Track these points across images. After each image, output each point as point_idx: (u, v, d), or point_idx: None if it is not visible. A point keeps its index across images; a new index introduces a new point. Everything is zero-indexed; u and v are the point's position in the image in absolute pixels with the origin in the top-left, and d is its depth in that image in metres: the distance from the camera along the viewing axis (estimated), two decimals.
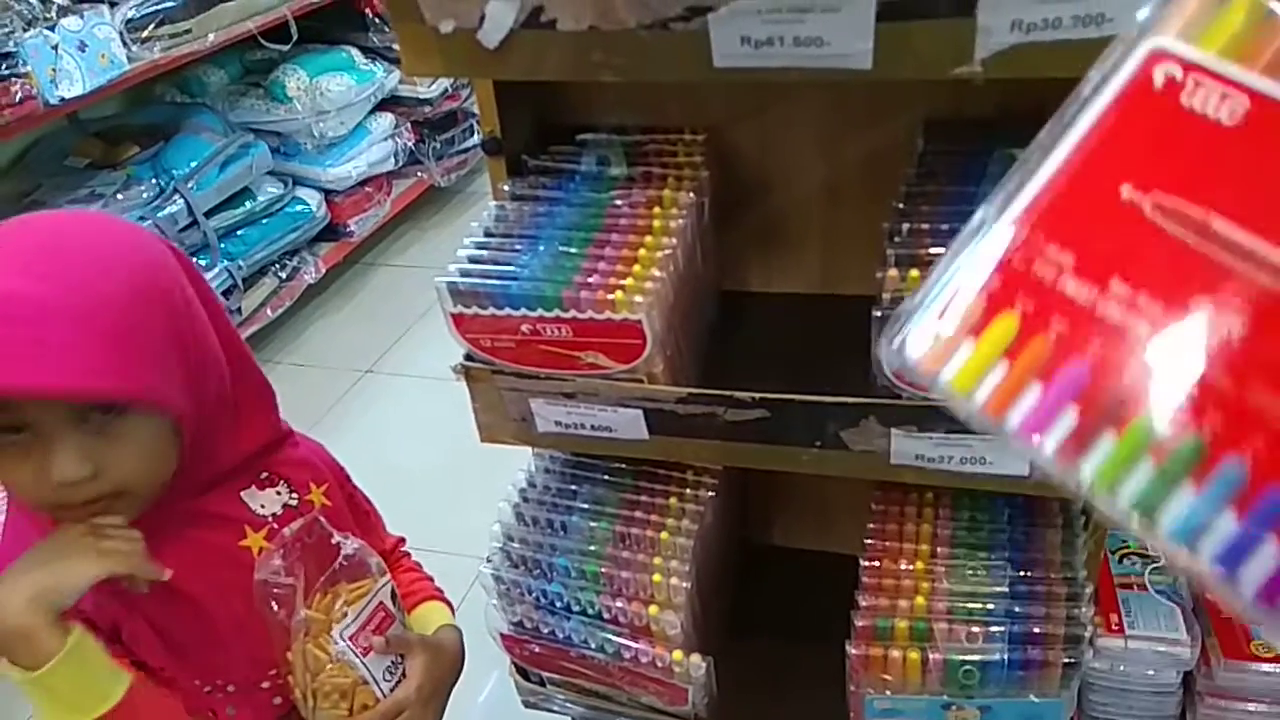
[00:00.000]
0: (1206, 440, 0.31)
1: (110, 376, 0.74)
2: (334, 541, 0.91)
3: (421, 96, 3.40)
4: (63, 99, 2.26)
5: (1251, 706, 1.34)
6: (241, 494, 0.92)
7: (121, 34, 2.40)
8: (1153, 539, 0.32)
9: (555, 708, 1.23)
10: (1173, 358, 0.33)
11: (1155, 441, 0.32)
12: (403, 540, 1.13)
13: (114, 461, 0.78)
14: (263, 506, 0.92)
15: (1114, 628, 1.35)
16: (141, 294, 0.77)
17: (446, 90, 3.47)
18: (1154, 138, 0.36)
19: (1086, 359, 0.34)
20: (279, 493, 0.94)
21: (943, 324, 0.37)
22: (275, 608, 0.87)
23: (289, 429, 0.99)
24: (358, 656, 0.89)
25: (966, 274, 0.38)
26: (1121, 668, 1.35)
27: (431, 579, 1.12)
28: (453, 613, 1.09)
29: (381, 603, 0.92)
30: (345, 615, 0.89)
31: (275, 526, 0.91)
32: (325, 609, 0.89)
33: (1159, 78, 0.36)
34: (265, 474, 0.94)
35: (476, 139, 3.64)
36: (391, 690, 0.92)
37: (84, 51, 2.30)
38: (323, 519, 0.91)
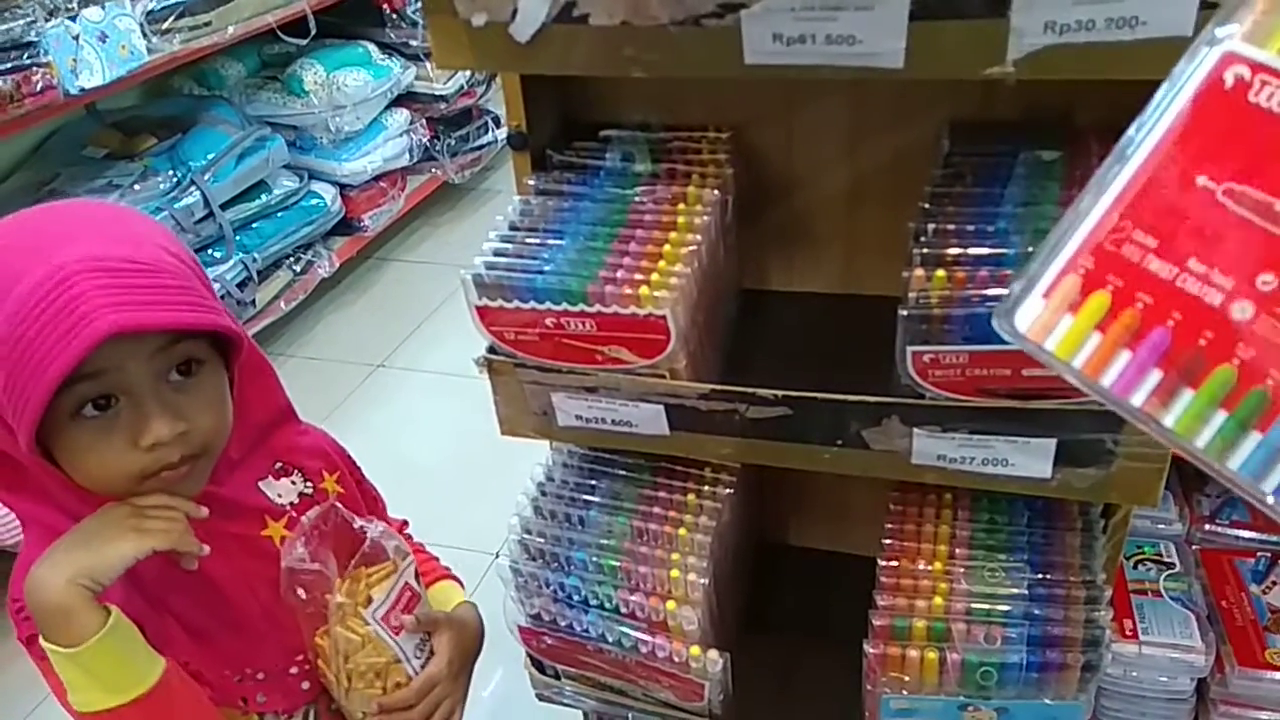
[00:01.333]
0: (1270, 392, 0.38)
1: (221, 314, 0.80)
2: (357, 526, 0.92)
3: (437, 93, 3.41)
4: (83, 89, 2.27)
5: (1265, 715, 1.34)
6: (259, 484, 0.93)
7: (142, 25, 2.41)
8: (1225, 477, 0.40)
9: (568, 701, 1.23)
10: (1240, 324, 0.40)
11: (1226, 394, 0.40)
12: (406, 523, 1.15)
13: (196, 417, 0.81)
14: (280, 496, 0.94)
15: (1128, 634, 1.35)
16: (188, 256, 0.82)
17: (462, 87, 3.48)
18: (1225, 132, 0.41)
19: (1168, 328, 0.42)
20: (294, 482, 0.95)
21: (1047, 301, 0.46)
22: (302, 594, 0.89)
23: (294, 412, 1.00)
24: (390, 636, 0.91)
25: (1066, 256, 0.46)
26: (1135, 674, 1.35)
27: (438, 559, 1.14)
28: (463, 589, 1.11)
29: (408, 583, 0.94)
30: (375, 597, 0.90)
31: (294, 515, 0.93)
32: (352, 592, 0.90)
33: (1229, 78, 0.43)
34: (280, 464, 0.95)
35: (491, 136, 3.65)
36: (422, 667, 0.94)
37: (105, 42, 2.31)
38: (340, 505, 0.93)
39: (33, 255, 0.74)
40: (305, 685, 0.94)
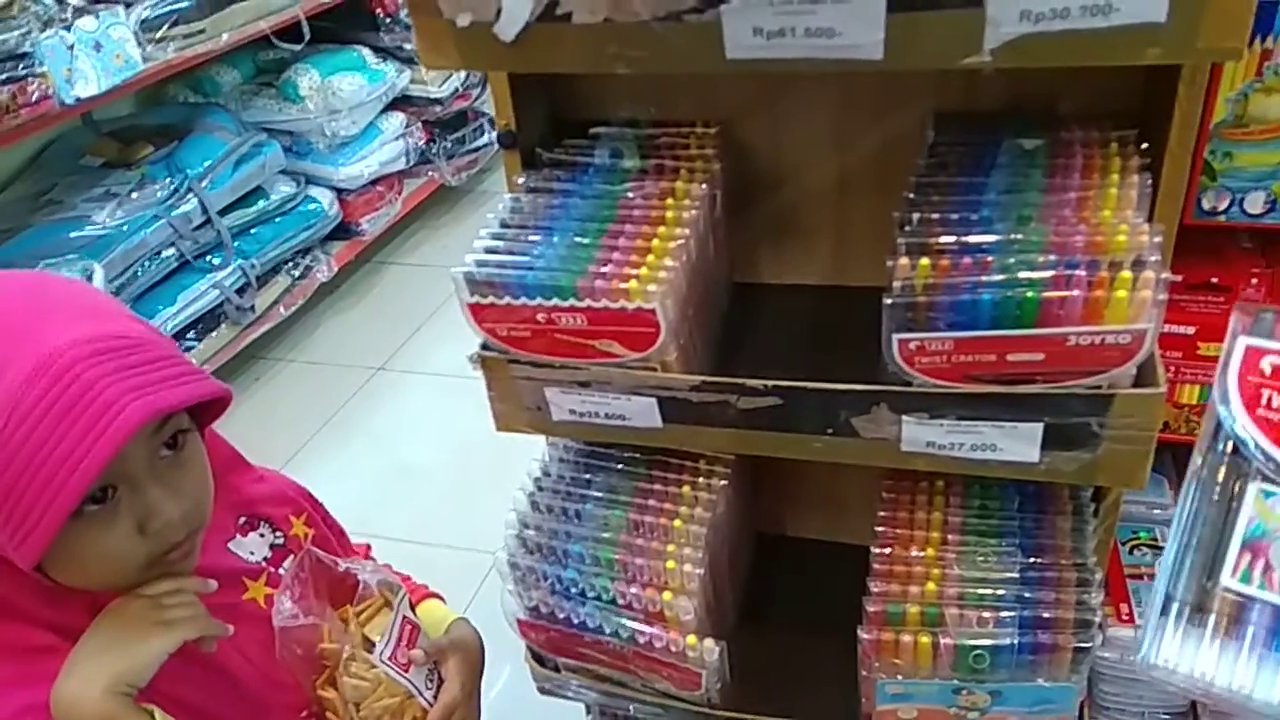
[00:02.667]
0: None
1: (210, 377, 0.77)
2: (341, 569, 0.92)
3: (432, 96, 3.42)
4: (78, 99, 2.28)
5: None
6: (229, 545, 0.90)
7: (136, 34, 2.43)
8: None
9: (570, 694, 1.25)
10: None
11: None
12: (369, 547, 1.12)
13: (194, 490, 0.79)
14: (252, 554, 0.91)
15: (1124, 618, 1.36)
16: (144, 321, 0.80)
17: (457, 89, 3.49)
18: None
19: None
20: (262, 535, 0.92)
21: None
22: (299, 650, 0.87)
23: (243, 458, 0.96)
24: (399, 674, 0.89)
25: None
26: (1131, 657, 1.35)
27: (410, 576, 1.12)
28: (445, 602, 1.11)
29: (405, 616, 0.93)
30: (376, 637, 0.89)
31: (271, 570, 0.90)
32: (349, 636, 0.89)
33: None
34: (244, 518, 0.92)
35: (487, 138, 3.66)
36: (435, 697, 0.93)
37: (99, 51, 2.33)
38: (316, 550, 0.91)
39: (7, 341, 0.69)
40: None
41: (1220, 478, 0.57)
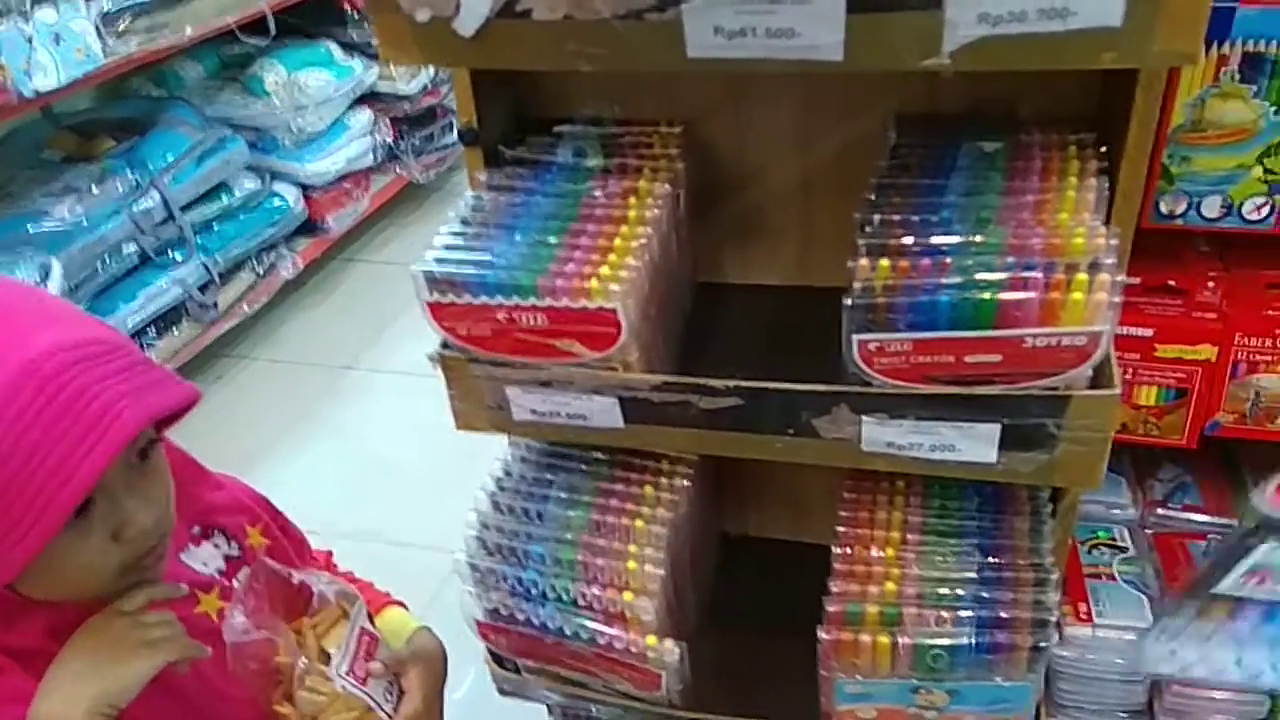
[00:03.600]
0: None
1: (193, 388, 0.78)
2: (296, 581, 0.90)
3: (400, 92, 3.40)
4: (37, 92, 2.24)
5: (1217, 694, 1.37)
6: (180, 556, 0.88)
7: (97, 27, 2.38)
8: None
9: (531, 695, 1.24)
10: None
11: None
12: (330, 554, 1.10)
13: (162, 497, 0.78)
14: (205, 564, 0.89)
15: (1083, 617, 1.37)
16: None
17: (426, 86, 3.47)
18: None
19: None
20: (217, 545, 0.91)
21: None
22: (253, 665, 0.85)
23: (199, 464, 0.95)
24: (358, 688, 0.88)
25: None
26: (1090, 656, 1.37)
27: (373, 584, 1.11)
28: (408, 610, 1.09)
29: (363, 628, 0.91)
30: (333, 651, 0.87)
31: (225, 583, 0.89)
32: (304, 648, 0.87)
33: None
34: (198, 528, 0.91)
35: (456, 136, 3.64)
36: (394, 710, 0.91)
37: (59, 44, 2.28)
38: (269, 561, 0.90)
39: None
40: None
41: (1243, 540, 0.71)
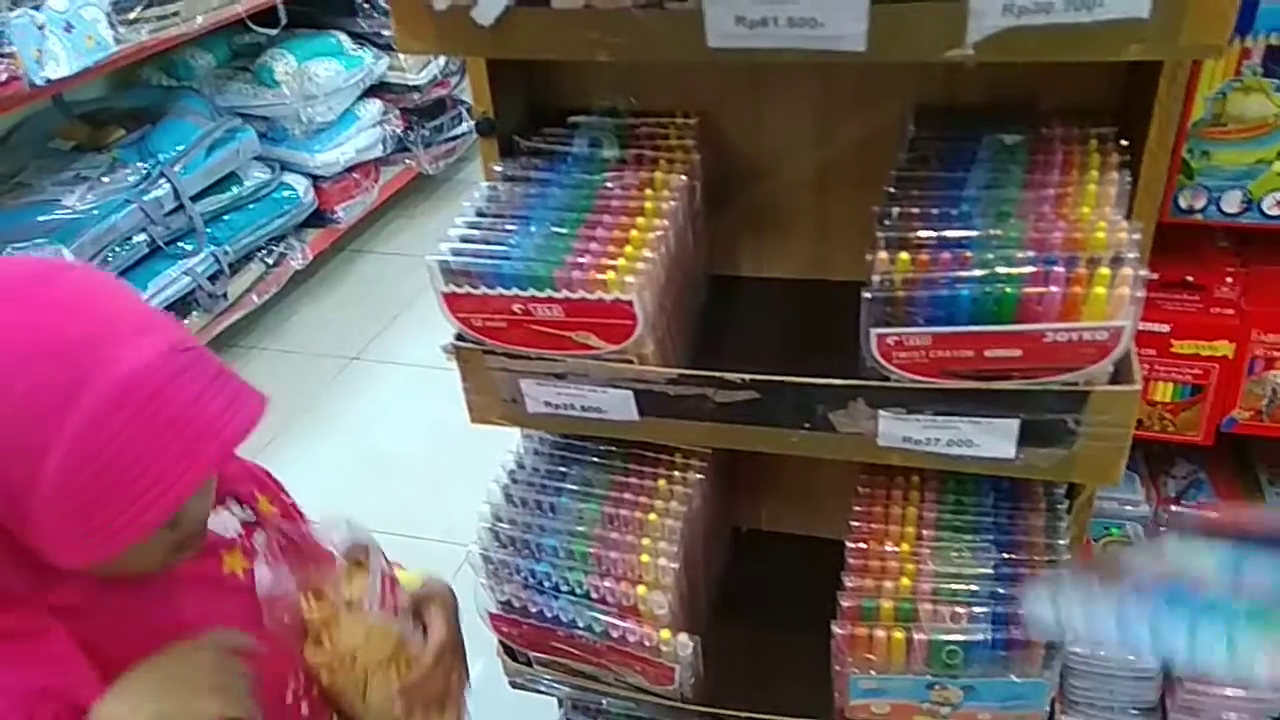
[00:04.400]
0: None
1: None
2: (310, 543, 0.93)
3: (410, 83, 3.39)
4: (48, 80, 2.23)
5: (1229, 691, 1.36)
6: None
7: (108, 15, 2.38)
8: None
9: (542, 688, 1.24)
10: None
11: None
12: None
13: (212, 490, 0.81)
14: (225, 529, 0.91)
15: None
16: None
17: (436, 77, 3.46)
18: None
19: None
20: (233, 511, 0.92)
21: None
22: (284, 618, 0.88)
23: None
24: (391, 619, 0.93)
25: None
26: (1102, 653, 1.37)
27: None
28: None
29: (384, 572, 0.95)
30: (363, 590, 0.92)
31: (246, 544, 0.91)
32: (333, 599, 0.91)
33: None
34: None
35: (465, 127, 3.63)
36: (424, 637, 0.96)
37: (70, 32, 2.28)
38: (283, 524, 0.93)
39: (76, 359, 0.68)
40: (305, 709, 0.92)
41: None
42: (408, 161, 3.52)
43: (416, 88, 3.40)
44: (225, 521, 0.91)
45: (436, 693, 0.95)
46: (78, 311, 0.71)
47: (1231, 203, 1.12)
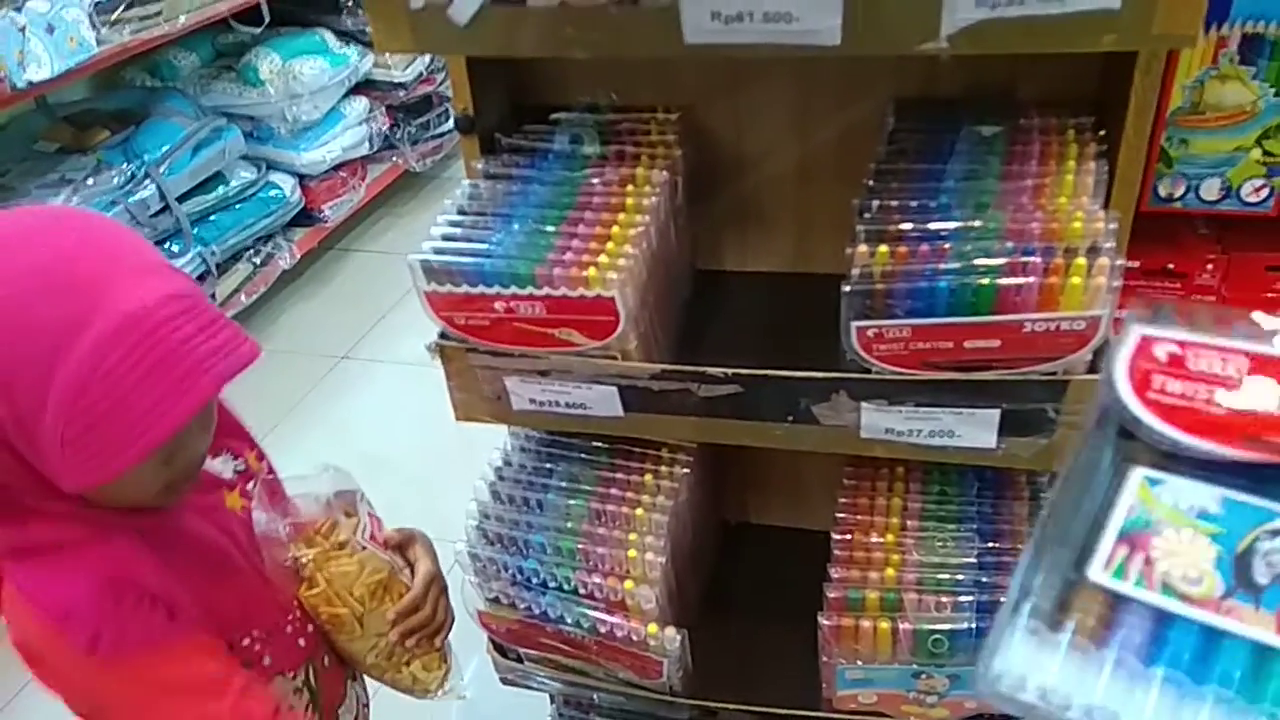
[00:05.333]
0: None
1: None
2: (296, 494, 0.98)
3: (396, 80, 3.38)
4: (30, 82, 2.23)
5: None
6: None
7: (90, 16, 2.37)
8: None
9: (533, 684, 1.24)
10: None
11: None
12: None
13: (210, 428, 0.86)
14: (221, 473, 0.97)
15: None
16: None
17: (421, 74, 3.45)
18: None
19: None
20: (225, 461, 0.97)
21: None
22: (279, 555, 0.94)
23: None
24: (381, 551, 0.99)
25: None
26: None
27: None
28: None
29: (370, 510, 1.00)
30: (355, 524, 0.97)
31: (243, 488, 0.96)
32: (321, 543, 0.96)
33: None
34: None
35: (452, 123, 3.61)
36: (411, 575, 1.01)
37: (52, 34, 2.27)
38: (271, 478, 0.99)
39: (82, 295, 0.73)
40: (301, 642, 0.98)
41: (1104, 463, 0.47)
42: (394, 159, 3.51)
43: (402, 85, 3.39)
44: (222, 467, 0.97)
45: (427, 620, 1.00)
46: (83, 254, 0.76)
47: (1211, 190, 1.12)
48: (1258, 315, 0.48)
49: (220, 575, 0.90)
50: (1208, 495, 0.44)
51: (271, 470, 1.04)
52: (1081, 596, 0.43)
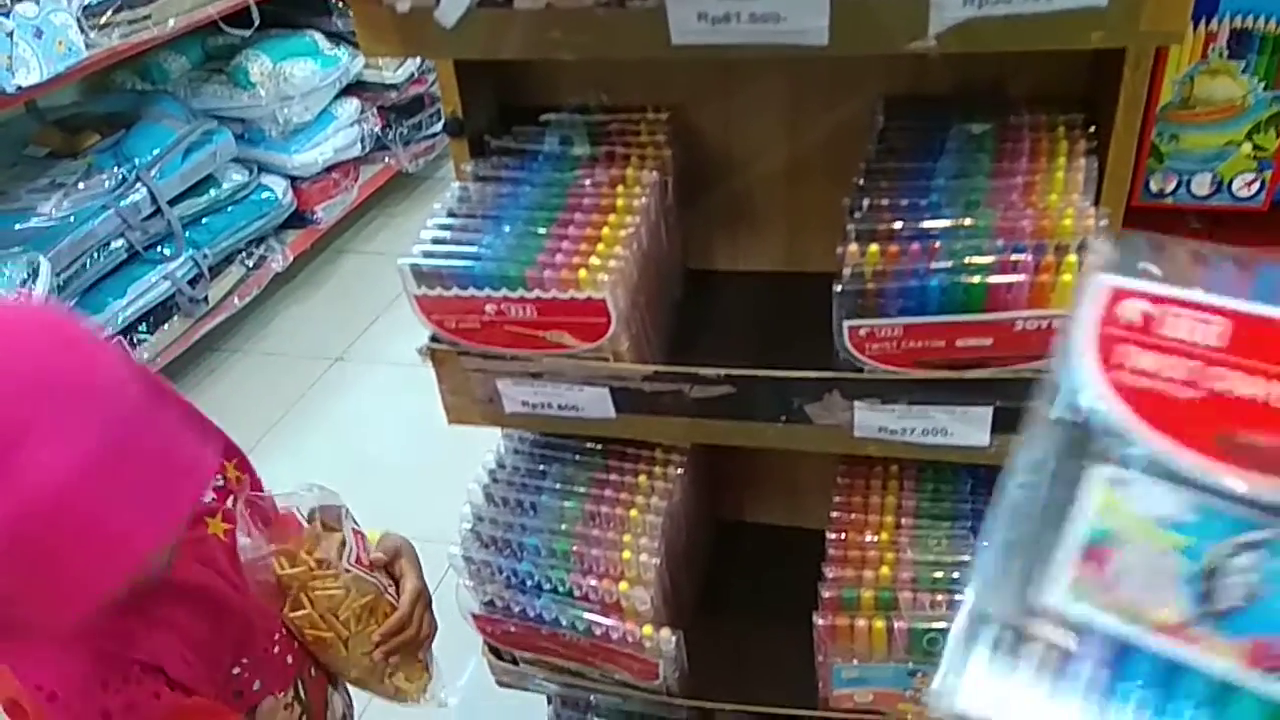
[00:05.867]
0: None
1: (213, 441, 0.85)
2: (280, 508, 0.97)
3: (387, 81, 3.37)
4: (20, 87, 2.21)
5: None
6: None
7: (79, 20, 2.36)
8: None
9: (530, 686, 1.24)
10: None
11: None
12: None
13: None
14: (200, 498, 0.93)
15: None
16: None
17: (413, 75, 3.44)
18: None
19: None
20: None
21: None
22: (265, 577, 0.93)
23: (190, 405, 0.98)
24: (367, 574, 0.98)
25: None
26: None
27: None
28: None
29: (354, 528, 1.00)
30: (333, 554, 0.96)
31: (225, 508, 0.94)
32: (308, 559, 0.95)
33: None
34: None
35: (442, 125, 3.61)
36: (398, 592, 1.01)
37: (40, 38, 2.26)
38: (252, 493, 0.97)
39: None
40: (289, 660, 0.97)
41: (1057, 459, 0.41)
42: (387, 160, 3.50)
43: (393, 86, 3.39)
44: None
45: (413, 639, 1.01)
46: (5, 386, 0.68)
47: (1202, 185, 1.12)
48: (1242, 253, 0.41)
49: (211, 616, 0.89)
50: (1179, 501, 0.38)
51: (254, 480, 1.02)
52: (1039, 619, 0.39)
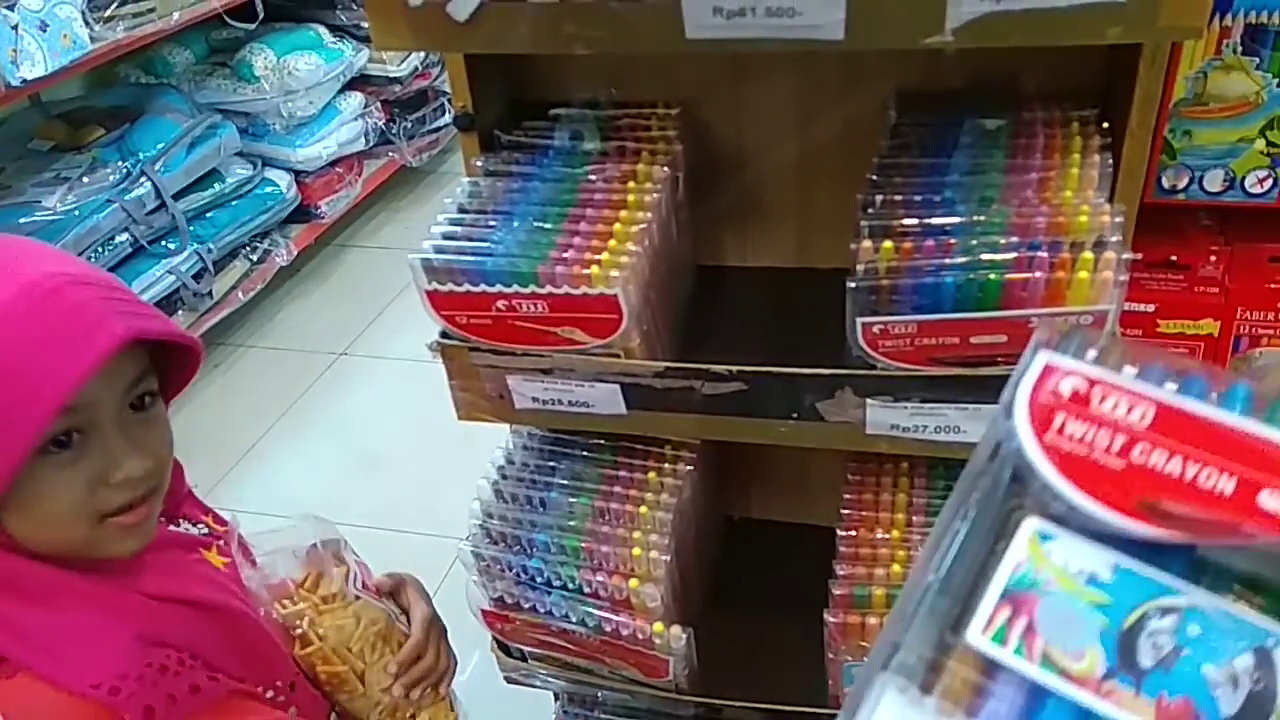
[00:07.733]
0: None
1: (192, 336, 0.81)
2: (269, 550, 0.94)
3: (391, 75, 3.37)
4: (24, 80, 2.21)
5: None
6: (170, 528, 0.90)
7: (84, 13, 2.35)
8: None
9: (537, 683, 1.24)
10: None
11: None
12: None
13: (158, 450, 0.79)
14: (190, 532, 0.92)
15: None
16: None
17: (417, 68, 3.43)
18: None
19: None
20: (186, 529, 0.93)
21: None
22: (270, 611, 0.91)
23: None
24: (376, 600, 0.96)
25: None
26: None
27: None
28: None
29: (357, 558, 0.98)
30: (345, 575, 0.94)
31: (218, 545, 0.91)
32: (307, 596, 0.92)
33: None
34: (162, 517, 0.90)
35: (448, 118, 3.60)
36: (407, 622, 0.99)
37: (45, 32, 2.25)
38: (242, 536, 0.94)
39: None
40: (319, 700, 0.94)
41: (993, 506, 0.42)
42: (391, 154, 3.50)
43: (398, 80, 3.38)
44: (190, 529, 0.92)
45: (431, 668, 0.98)
46: None
47: (1214, 181, 1.12)
48: (1174, 357, 0.44)
49: (236, 630, 0.85)
50: (1100, 560, 0.40)
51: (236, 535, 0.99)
52: (956, 658, 0.39)
